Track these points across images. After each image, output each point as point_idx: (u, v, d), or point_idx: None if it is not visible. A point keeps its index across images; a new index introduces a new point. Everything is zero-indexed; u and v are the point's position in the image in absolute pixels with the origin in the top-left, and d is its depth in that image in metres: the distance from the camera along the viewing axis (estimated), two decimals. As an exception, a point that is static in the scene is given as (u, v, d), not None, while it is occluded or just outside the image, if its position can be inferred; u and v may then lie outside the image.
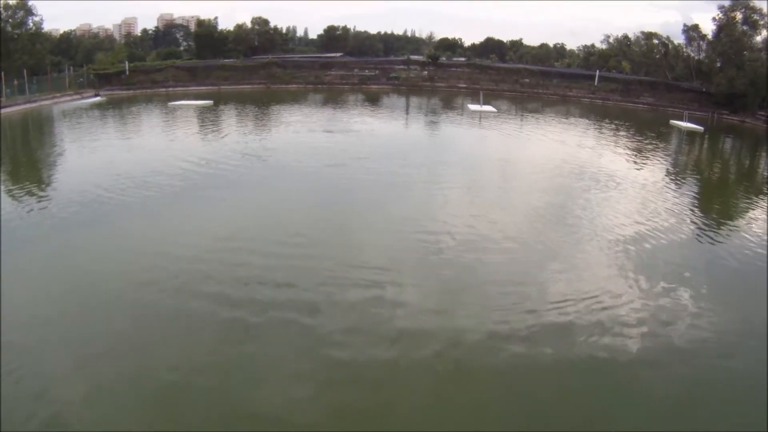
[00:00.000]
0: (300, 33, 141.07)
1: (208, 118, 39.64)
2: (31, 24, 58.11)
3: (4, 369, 9.83)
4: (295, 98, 52.07)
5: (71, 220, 18.21)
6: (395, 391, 9.92)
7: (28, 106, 52.08)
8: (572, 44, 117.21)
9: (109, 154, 28.31)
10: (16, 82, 58.21)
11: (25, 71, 57.95)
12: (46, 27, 64.68)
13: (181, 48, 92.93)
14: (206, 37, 77.62)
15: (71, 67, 65.59)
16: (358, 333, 11.51)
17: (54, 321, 11.76)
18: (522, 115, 49.68)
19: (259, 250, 15.27)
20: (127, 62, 63.01)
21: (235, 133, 33.87)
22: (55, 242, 16.38)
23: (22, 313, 11.94)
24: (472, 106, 50.07)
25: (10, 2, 56.51)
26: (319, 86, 64.10)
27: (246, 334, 11.38)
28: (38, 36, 59.34)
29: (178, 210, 18.83)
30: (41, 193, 21.92)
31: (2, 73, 57.07)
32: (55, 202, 20.37)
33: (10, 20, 57.24)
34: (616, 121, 47.02)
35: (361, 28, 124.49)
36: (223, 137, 31.74)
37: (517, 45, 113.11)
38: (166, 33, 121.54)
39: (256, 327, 11.61)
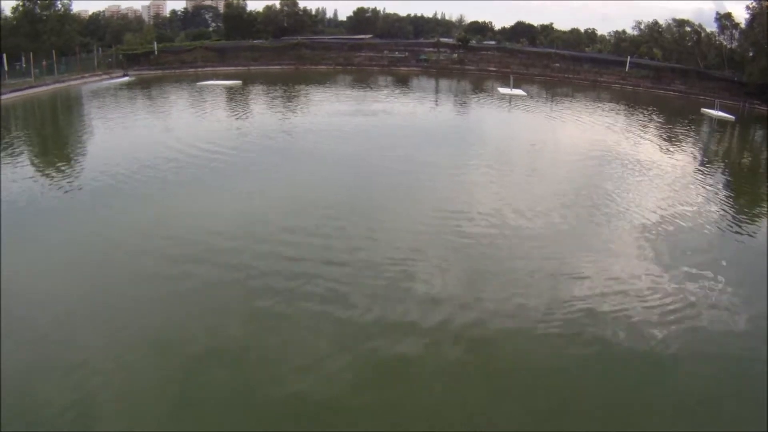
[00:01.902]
0: (329, 15, 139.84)
1: (236, 98, 39.08)
2: (60, 5, 57.89)
3: (33, 340, 9.93)
4: (325, 79, 51.36)
5: (101, 197, 17.93)
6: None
7: (57, 86, 52.12)
8: (603, 30, 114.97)
9: (137, 133, 28.13)
10: (45, 63, 58.25)
11: (54, 52, 57.93)
12: (75, 8, 64.55)
13: (210, 29, 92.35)
14: (235, 18, 77.00)
15: (100, 48, 65.46)
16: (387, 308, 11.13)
17: (83, 296, 11.57)
18: (552, 100, 48.51)
19: (280, 228, 14.88)
20: (155, 43, 62.61)
21: (264, 113, 33.21)
22: (85, 218, 16.22)
23: (51, 288, 11.86)
24: (502, 90, 49.09)
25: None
26: (349, 68, 63.27)
27: (275, 314, 10.95)
28: (67, 17, 59.25)
29: (200, 191, 18.23)
30: (70, 171, 21.72)
31: (31, 54, 57.18)
32: (84, 179, 20.07)
33: (39, 1, 57.03)
34: (646, 108, 45.58)
35: (390, 10, 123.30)
36: (250, 117, 31.05)
37: (547, 29, 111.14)
38: (195, 14, 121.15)
39: (285, 304, 11.23)
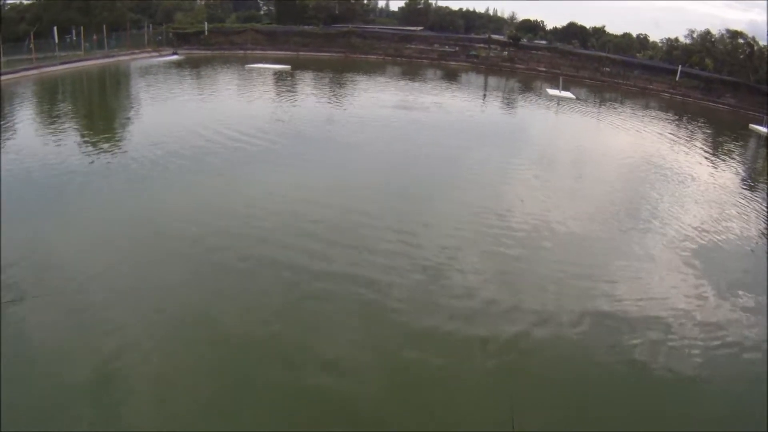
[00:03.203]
0: (381, 4, 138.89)
1: (284, 82, 38.60)
2: (112, -19, 58.16)
3: (77, 313, 9.79)
4: (374, 69, 50.64)
5: (145, 173, 17.65)
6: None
7: (106, 60, 52.47)
8: (655, 36, 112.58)
9: (185, 111, 27.92)
10: (95, 37, 58.64)
11: (104, 27, 58.31)
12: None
13: (261, 12, 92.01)
14: (287, 3, 76.60)
15: (151, 26, 65.56)
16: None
17: (125, 271, 11.37)
18: (600, 104, 47.25)
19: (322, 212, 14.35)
20: (206, 23, 62.51)
21: (311, 100, 32.49)
22: (128, 193, 15.89)
23: (93, 263, 11.64)
24: (551, 91, 47.93)
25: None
26: (398, 59, 62.52)
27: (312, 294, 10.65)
28: (119, -6, 59.54)
29: (246, 174, 17.70)
30: (116, 145, 21.62)
31: (82, 28, 57.58)
32: (130, 154, 19.78)
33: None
34: (695, 119, 43.98)
35: (442, 2, 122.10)
36: (298, 103, 30.46)
37: (599, 32, 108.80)
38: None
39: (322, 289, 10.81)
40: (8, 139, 24.63)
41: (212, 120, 24.42)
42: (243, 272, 11.33)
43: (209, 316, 9.81)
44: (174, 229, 13.17)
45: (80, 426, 7.35)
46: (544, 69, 66.92)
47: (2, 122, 29.59)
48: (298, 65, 46.74)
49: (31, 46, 56.75)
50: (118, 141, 22.31)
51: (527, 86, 54.98)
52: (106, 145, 21.42)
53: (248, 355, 8.87)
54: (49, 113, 31.55)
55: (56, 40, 57.84)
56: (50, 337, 9.12)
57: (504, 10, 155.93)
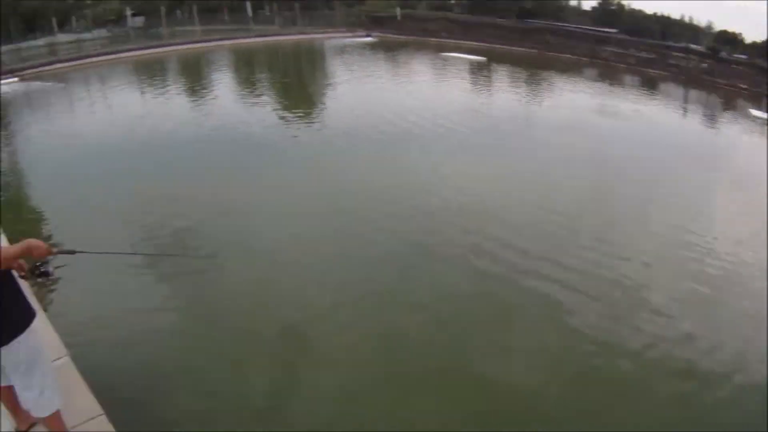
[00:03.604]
0: (573, 2, 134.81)
1: (480, 74, 37.24)
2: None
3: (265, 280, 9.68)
4: (568, 69, 48.09)
5: (341, 149, 17.59)
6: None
7: (300, 36, 53.36)
8: None
9: (379, 92, 27.67)
10: (288, 13, 60.00)
11: (297, 4, 59.64)
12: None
13: (452, 1, 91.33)
14: (479, -7, 75.51)
15: (343, 7, 66.34)
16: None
17: (314, 242, 11.17)
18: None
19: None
20: (398, 8, 62.30)
21: (507, 95, 30.59)
22: (324, 167, 15.76)
23: (284, 231, 11.69)
24: (755, 113, 43.41)
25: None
26: (594, 61, 59.64)
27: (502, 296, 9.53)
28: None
29: (437, 158, 16.63)
30: (312, 119, 21.88)
31: (276, 4, 59.01)
32: (326, 130, 19.94)
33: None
34: None
35: (636, 4, 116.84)
36: (493, 96, 28.94)
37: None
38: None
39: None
40: (210, 103, 25.08)
41: (406, 103, 23.70)
42: (437, 257, 10.67)
43: (398, 297, 9.33)
44: (367, 207, 12.82)
45: (261, 381, 7.31)
46: (745, 87, 61.78)
47: (204, 87, 30.42)
48: (493, 58, 45.13)
49: (226, 17, 58.79)
50: (314, 116, 22.39)
51: (728, 104, 50.63)
52: (302, 119, 21.64)
53: (427, 343, 8.19)
54: (246, 82, 32.11)
55: (250, 14, 59.67)
56: (236, 301, 9.15)
57: (700, 19, 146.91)
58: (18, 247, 4.01)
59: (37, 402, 4.35)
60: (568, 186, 14.84)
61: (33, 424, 4.87)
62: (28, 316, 4.25)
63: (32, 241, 4.03)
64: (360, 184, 14.05)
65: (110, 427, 4.84)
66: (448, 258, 10.51)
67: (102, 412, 5.00)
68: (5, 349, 4.07)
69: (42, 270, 4.37)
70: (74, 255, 4.50)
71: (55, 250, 4.25)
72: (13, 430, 4.95)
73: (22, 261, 4.29)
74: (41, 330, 4.73)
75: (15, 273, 4.29)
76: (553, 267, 10.17)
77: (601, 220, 12.79)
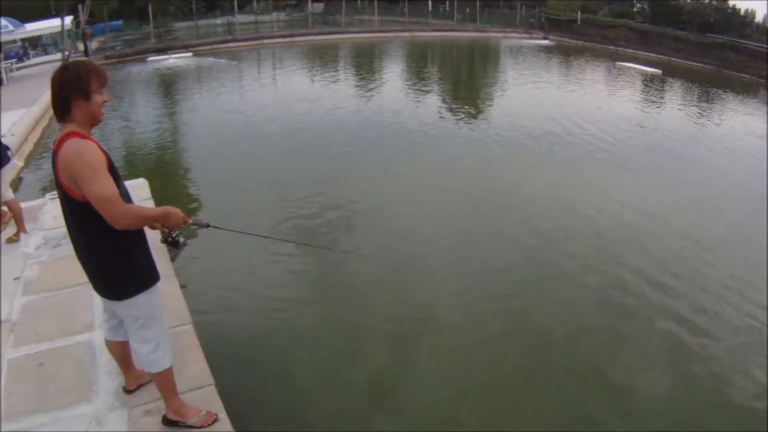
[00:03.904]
0: (759, 18, 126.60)
1: (653, 87, 35.75)
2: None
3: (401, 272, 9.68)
4: (746, 90, 45.25)
5: (498, 148, 17.37)
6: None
7: (477, 34, 53.59)
8: None
9: (546, 97, 27.23)
10: (467, 11, 60.08)
11: (477, 2, 59.64)
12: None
13: (635, 9, 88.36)
14: (662, 3, 72.58)
15: (524, 7, 65.67)
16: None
17: (453, 242, 10.89)
18: None
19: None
20: (579, 12, 60.99)
21: (677, 113, 28.94)
22: (478, 167, 15.54)
23: (427, 226, 11.53)
24: None
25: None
26: (774, 83, 55.82)
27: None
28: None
29: (590, 171, 16.04)
30: (477, 116, 22.03)
31: (456, 1, 59.28)
32: (488, 129, 19.72)
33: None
34: None
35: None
36: (660, 114, 27.51)
37: None
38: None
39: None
40: (379, 92, 25.70)
41: (571, 111, 23.14)
42: (567, 272, 10.08)
43: (521, 307, 8.88)
44: (509, 216, 12.40)
45: (371, 364, 7.29)
46: None
47: (374, 76, 31.18)
48: (669, 71, 43.30)
49: (405, 9, 59.68)
50: (479, 113, 22.56)
51: None
52: (466, 115, 21.91)
53: (538, 355, 7.77)
54: (417, 75, 32.57)
55: (429, 8, 60.27)
56: (361, 292, 9.11)
57: None
58: (158, 210, 4.07)
59: (150, 357, 4.42)
60: (724, 219, 14.03)
61: (141, 385, 5.01)
62: (154, 276, 4.35)
63: (171, 209, 4.09)
64: (507, 192, 13.81)
65: (217, 399, 4.94)
66: (579, 280, 9.96)
67: (212, 382, 5.12)
68: (127, 302, 4.21)
69: (174, 238, 4.43)
70: (208, 228, 4.60)
71: (191, 221, 4.33)
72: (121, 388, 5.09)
73: (158, 225, 4.34)
74: (170, 293, 5.08)
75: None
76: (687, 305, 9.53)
77: (757, 261, 11.96)
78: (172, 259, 7.87)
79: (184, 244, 4.47)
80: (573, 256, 10.44)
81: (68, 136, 3.73)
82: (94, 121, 3.91)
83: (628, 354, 7.89)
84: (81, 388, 5.08)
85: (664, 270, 10.36)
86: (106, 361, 5.33)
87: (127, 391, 4.97)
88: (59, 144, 3.74)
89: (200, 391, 4.98)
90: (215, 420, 4.80)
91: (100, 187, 3.63)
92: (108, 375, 5.22)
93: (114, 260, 4.08)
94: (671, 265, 10.66)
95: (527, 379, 7.19)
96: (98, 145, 3.81)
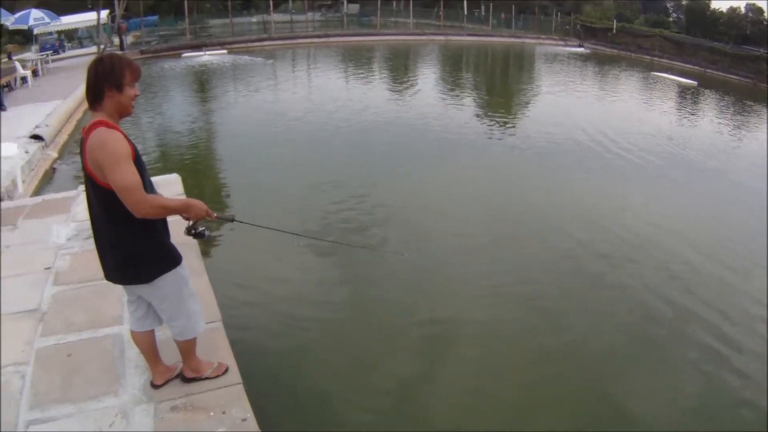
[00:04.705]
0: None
1: (687, 99, 35.36)
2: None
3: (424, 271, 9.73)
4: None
5: (527, 157, 17.24)
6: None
7: (511, 40, 53.74)
8: None
9: (578, 105, 27.07)
10: (503, 16, 60.05)
11: (513, 7, 59.59)
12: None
13: (670, 19, 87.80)
14: (697, 13, 72.17)
15: (559, 14, 65.49)
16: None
17: (477, 245, 10.92)
18: None
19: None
20: (615, 21, 60.64)
21: (709, 124, 28.38)
22: (504, 174, 15.61)
23: (454, 229, 11.60)
24: None
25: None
26: (815, 98, 54.94)
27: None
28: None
29: (619, 185, 15.66)
30: (509, 123, 21.95)
31: (491, 5, 59.24)
32: (517, 136, 19.77)
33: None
34: None
35: None
36: (695, 124, 27.11)
37: None
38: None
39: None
40: (412, 95, 25.81)
41: (602, 122, 22.98)
42: (602, 284, 10.00)
43: (552, 319, 8.80)
44: (537, 223, 12.34)
45: (399, 367, 7.31)
46: None
47: (407, 79, 31.31)
48: (704, 83, 42.82)
49: (440, 13, 59.73)
50: (508, 122, 22.33)
51: None
52: (499, 121, 21.93)
53: (567, 369, 7.64)
54: (449, 78, 32.62)
55: (465, 12, 60.29)
56: (392, 293, 9.18)
57: None
58: (179, 202, 4.23)
59: (181, 328, 4.64)
60: (754, 240, 13.75)
61: (168, 380, 5.04)
62: (177, 255, 4.45)
63: (193, 201, 4.23)
64: (542, 201, 13.68)
65: (245, 398, 4.92)
66: (613, 290, 9.84)
67: (239, 381, 5.13)
68: (155, 283, 4.34)
69: (198, 230, 4.52)
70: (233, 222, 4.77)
71: (215, 215, 4.43)
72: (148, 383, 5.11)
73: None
74: (200, 290, 5.00)
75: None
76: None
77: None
78: (203, 255, 7.93)
79: (207, 236, 4.58)
80: (606, 269, 10.42)
81: (97, 124, 3.87)
82: (124, 112, 4.05)
83: (661, 374, 7.77)
84: (108, 380, 5.13)
85: (692, 292, 10.05)
86: (134, 355, 5.37)
87: (155, 386, 5.01)
88: (88, 132, 3.89)
89: (228, 390, 5.00)
90: (226, 369, 5.14)
91: (122, 176, 3.76)
92: (136, 369, 5.26)
93: (139, 244, 4.19)
94: (696, 285, 10.33)
95: (554, 392, 7.12)
96: (125, 135, 3.93)
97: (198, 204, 4.20)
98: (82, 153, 3.95)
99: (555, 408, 6.82)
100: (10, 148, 13.51)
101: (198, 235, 4.51)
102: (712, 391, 7.45)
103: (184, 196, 9.36)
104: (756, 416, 6.86)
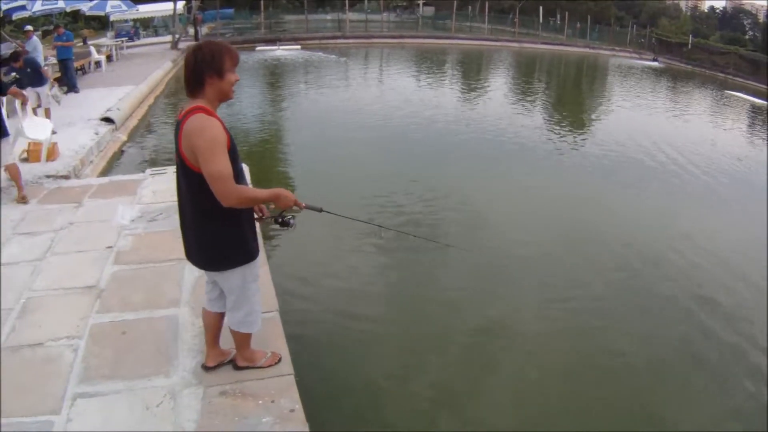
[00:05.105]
0: None
1: (759, 118, 35.00)
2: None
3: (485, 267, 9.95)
4: None
5: (593, 170, 17.40)
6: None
7: (586, 50, 53.78)
8: None
9: (648, 121, 26.93)
10: (578, 25, 59.95)
11: (588, 17, 59.40)
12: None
13: (746, 36, 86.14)
14: (776, 32, 70.80)
15: (635, 26, 65.16)
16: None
17: (537, 249, 11.08)
18: None
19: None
20: (690, 36, 60.10)
21: None
22: (571, 185, 15.74)
23: (518, 231, 11.92)
24: None
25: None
26: None
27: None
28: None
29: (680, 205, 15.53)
30: (577, 134, 22.22)
31: (567, 14, 59.16)
32: (586, 148, 20.05)
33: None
34: None
35: None
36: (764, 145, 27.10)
37: None
38: (733, 16, 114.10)
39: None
40: (484, 100, 26.38)
41: (675, 138, 23.10)
42: (655, 305, 9.83)
43: (604, 334, 8.73)
44: (603, 238, 12.30)
45: (450, 368, 7.38)
46: None
47: (478, 84, 31.79)
48: (781, 105, 42.37)
49: (516, 20, 60.02)
50: (574, 133, 22.59)
51: None
52: (567, 132, 22.21)
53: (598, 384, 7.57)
54: (521, 86, 32.96)
55: (540, 20, 60.43)
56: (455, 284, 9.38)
57: None
58: (268, 192, 4.21)
59: (240, 321, 4.69)
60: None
61: (221, 364, 5.13)
62: (253, 251, 4.51)
63: (282, 191, 4.22)
64: (603, 214, 13.84)
65: (295, 390, 4.95)
66: (667, 314, 9.62)
67: (292, 372, 5.16)
68: (226, 274, 4.47)
69: (285, 219, 4.60)
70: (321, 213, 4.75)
71: (303, 204, 4.45)
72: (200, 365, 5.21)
73: (263, 205, 4.65)
74: (261, 278, 4.92)
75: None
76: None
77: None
78: (266, 242, 8.09)
79: (294, 225, 4.69)
80: (663, 291, 10.32)
81: (196, 110, 3.95)
82: (224, 98, 4.13)
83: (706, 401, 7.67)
84: (160, 361, 5.23)
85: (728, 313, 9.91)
86: (189, 338, 5.56)
87: (206, 368, 5.11)
88: (186, 115, 3.97)
89: (279, 380, 5.03)
90: (279, 359, 5.24)
91: (215, 164, 3.82)
92: (189, 352, 5.37)
93: (219, 232, 4.28)
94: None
95: (598, 410, 7.02)
96: (222, 123, 4.02)
97: (286, 193, 4.23)
98: (177, 136, 4.02)
99: (596, 420, 6.78)
100: (81, 129, 14.51)
101: (284, 224, 4.63)
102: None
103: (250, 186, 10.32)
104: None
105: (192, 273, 6.74)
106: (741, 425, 6.92)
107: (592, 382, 7.40)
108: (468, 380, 7.16)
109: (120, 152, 15.49)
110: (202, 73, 3.95)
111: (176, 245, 5.51)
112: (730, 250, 12.43)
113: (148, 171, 11.30)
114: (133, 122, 18.66)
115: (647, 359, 8.04)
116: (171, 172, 10.55)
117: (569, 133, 22.16)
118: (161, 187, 10.08)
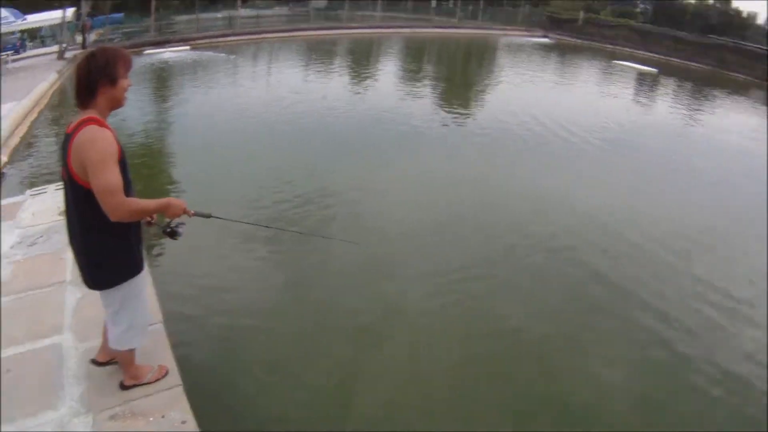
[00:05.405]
0: (761, 20, 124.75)
1: (645, 85, 35.72)
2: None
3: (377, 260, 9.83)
4: (740, 89, 44.53)
5: (486, 147, 17.38)
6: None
7: (476, 31, 53.84)
8: None
9: (534, 94, 27.41)
10: (470, 8, 60.29)
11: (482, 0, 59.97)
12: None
13: (637, 10, 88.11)
14: (664, 4, 72.42)
15: (528, 5, 65.86)
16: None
17: (431, 236, 11.01)
18: None
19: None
20: (582, 12, 61.01)
21: (664, 109, 28.85)
22: (458, 163, 15.63)
23: (406, 220, 11.70)
24: None
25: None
26: (768, 83, 55.32)
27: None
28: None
29: (573, 171, 15.76)
30: (465, 114, 22.11)
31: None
32: (474, 125, 20.01)
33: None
34: None
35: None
36: (650, 109, 27.53)
37: None
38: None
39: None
40: (371, 86, 25.98)
41: (558, 109, 23.30)
42: (544, 275, 10.01)
43: (490, 304, 8.90)
44: (489, 216, 12.36)
45: (341, 360, 7.37)
46: None
47: (367, 71, 31.45)
48: (666, 71, 43.31)
49: (408, 6, 59.99)
50: (468, 110, 22.73)
51: None
52: (456, 112, 22.12)
53: (495, 350, 7.84)
54: (410, 70, 32.84)
55: (433, 5, 60.58)
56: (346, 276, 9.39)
57: None
58: (157, 203, 4.09)
59: (119, 336, 4.52)
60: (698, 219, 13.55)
61: (111, 360, 5.04)
62: (138, 267, 4.38)
63: (171, 200, 4.14)
64: (491, 190, 13.88)
65: (184, 400, 4.90)
66: (556, 282, 9.82)
67: (180, 383, 5.08)
68: (104, 293, 4.34)
69: (173, 228, 4.42)
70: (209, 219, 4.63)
71: (192, 212, 4.36)
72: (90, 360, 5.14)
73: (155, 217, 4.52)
74: (145, 288, 4.74)
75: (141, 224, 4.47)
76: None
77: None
78: (148, 250, 7.89)
79: (181, 235, 4.46)
80: (552, 259, 10.48)
81: (88, 121, 3.78)
82: (116, 105, 4.01)
83: (601, 354, 7.89)
84: (46, 394, 5.00)
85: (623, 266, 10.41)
86: (73, 364, 5.31)
87: (96, 363, 5.04)
88: (76, 128, 3.77)
89: (168, 393, 4.95)
90: (167, 372, 5.06)
91: (105, 177, 3.67)
92: (74, 379, 5.15)
93: (106, 246, 4.13)
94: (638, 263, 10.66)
95: (494, 382, 7.15)
96: (114, 135, 3.88)
97: (176, 202, 4.14)
98: (66, 150, 3.83)
99: (497, 400, 6.85)
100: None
101: (173, 234, 4.42)
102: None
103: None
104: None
105: (74, 295, 6.47)
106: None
107: (484, 351, 7.66)
108: (357, 365, 7.26)
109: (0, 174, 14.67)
110: (96, 81, 3.84)
111: (57, 268, 5.81)
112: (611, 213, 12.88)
113: (28, 192, 10.67)
114: (15, 141, 17.44)
115: (537, 325, 8.41)
116: (52, 190, 10.41)
117: (456, 115, 21.80)
118: (41, 207, 9.58)
